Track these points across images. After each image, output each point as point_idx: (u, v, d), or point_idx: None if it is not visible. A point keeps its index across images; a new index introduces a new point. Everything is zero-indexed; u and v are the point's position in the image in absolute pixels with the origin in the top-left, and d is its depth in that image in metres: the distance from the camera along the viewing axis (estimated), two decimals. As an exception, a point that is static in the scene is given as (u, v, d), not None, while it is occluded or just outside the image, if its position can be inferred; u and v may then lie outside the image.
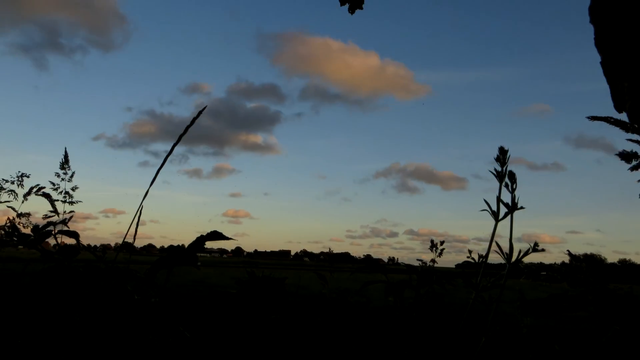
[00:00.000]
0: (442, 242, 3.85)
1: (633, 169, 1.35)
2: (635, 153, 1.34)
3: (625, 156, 1.36)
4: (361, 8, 1.58)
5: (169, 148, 1.55)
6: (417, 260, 3.83)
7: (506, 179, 1.60)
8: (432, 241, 3.86)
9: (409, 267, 2.93)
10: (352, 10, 1.59)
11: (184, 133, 1.54)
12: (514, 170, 1.56)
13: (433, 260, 3.81)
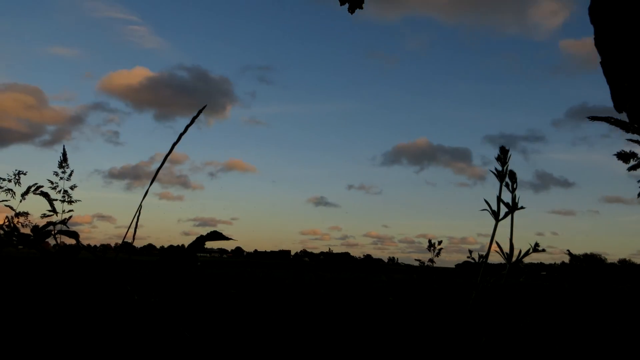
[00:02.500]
0: (439, 242, 3.85)
1: (631, 169, 1.35)
2: (634, 153, 1.34)
3: (623, 156, 1.36)
4: (361, 7, 1.58)
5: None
6: (416, 260, 3.84)
7: (507, 179, 1.60)
8: (429, 241, 3.86)
9: (408, 267, 2.94)
10: (352, 10, 1.59)
11: (184, 132, 1.54)
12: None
13: (431, 260, 3.82)
